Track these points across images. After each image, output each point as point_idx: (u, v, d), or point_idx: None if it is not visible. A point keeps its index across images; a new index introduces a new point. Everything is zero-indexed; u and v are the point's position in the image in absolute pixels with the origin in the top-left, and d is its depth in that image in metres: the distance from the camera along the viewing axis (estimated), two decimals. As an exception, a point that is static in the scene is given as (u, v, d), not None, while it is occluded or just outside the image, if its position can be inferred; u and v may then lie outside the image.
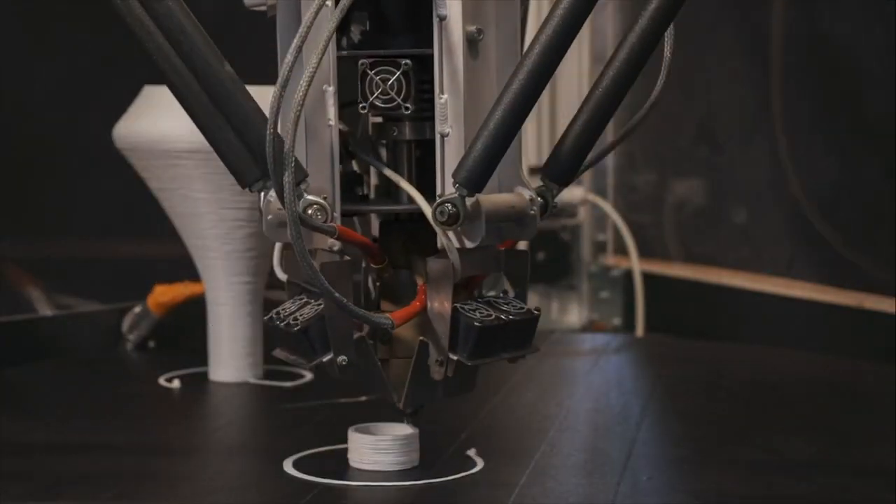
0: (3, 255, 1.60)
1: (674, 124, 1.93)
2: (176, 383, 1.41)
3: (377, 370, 1.03)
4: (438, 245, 0.99)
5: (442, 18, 0.98)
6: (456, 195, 0.95)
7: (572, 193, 1.90)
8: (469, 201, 0.96)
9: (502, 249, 1.05)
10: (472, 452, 1.11)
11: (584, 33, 1.90)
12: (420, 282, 1.03)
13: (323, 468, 1.08)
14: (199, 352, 1.45)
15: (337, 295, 0.94)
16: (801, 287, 1.70)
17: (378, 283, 1.06)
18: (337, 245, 1.00)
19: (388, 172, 1.03)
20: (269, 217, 0.99)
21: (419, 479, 1.06)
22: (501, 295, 1.05)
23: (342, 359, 1.00)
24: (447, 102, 0.98)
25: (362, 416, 1.11)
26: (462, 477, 1.07)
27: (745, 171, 1.82)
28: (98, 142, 1.46)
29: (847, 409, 1.33)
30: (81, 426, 1.26)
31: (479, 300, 1.03)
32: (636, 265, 1.85)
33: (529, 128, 1.92)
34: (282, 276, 1.05)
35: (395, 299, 1.05)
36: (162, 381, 1.42)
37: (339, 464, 1.09)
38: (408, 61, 0.99)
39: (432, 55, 0.98)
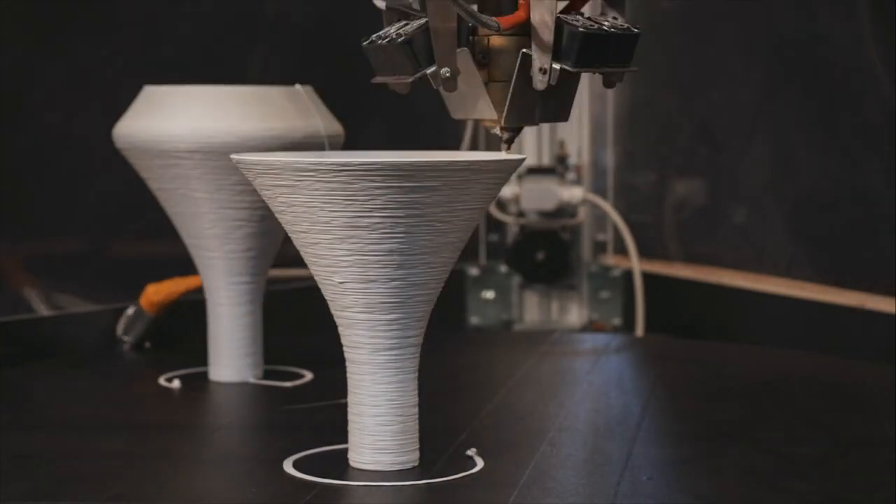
0: (2, 255, 1.60)
1: (674, 124, 1.93)
2: (176, 383, 1.41)
3: (478, 83, 1.05)
4: None
5: None
6: None
7: (572, 193, 1.90)
8: None
9: None
10: (472, 452, 1.11)
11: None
12: None
13: (323, 468, 1.08)
14: (198, 352, 1.45)
15: None
16: (802, 287, 1.70)
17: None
18: None
19: None
20: None
21: (419, 479, 1.06)
22: (600, 14, 1.08)
23: (445, 70, 1.03)
24: None
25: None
26: (462, 477, 1.07)
27: (746, 171, 1.82)
28: (98, 142, 1.46)
29: (847, 409, 1.33)
30: (81, 426, 1.26)
31: (581, 15, 1.06)
32: (636, 265, 1.85)
33: (529, 128, 1.92)
34: (380, 3, 1.08)
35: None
36: (162, 381, 1.42)
37: (339, 464, 1.09)
38: None
39: None
